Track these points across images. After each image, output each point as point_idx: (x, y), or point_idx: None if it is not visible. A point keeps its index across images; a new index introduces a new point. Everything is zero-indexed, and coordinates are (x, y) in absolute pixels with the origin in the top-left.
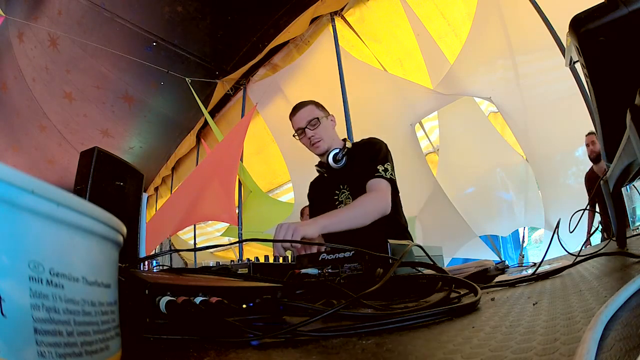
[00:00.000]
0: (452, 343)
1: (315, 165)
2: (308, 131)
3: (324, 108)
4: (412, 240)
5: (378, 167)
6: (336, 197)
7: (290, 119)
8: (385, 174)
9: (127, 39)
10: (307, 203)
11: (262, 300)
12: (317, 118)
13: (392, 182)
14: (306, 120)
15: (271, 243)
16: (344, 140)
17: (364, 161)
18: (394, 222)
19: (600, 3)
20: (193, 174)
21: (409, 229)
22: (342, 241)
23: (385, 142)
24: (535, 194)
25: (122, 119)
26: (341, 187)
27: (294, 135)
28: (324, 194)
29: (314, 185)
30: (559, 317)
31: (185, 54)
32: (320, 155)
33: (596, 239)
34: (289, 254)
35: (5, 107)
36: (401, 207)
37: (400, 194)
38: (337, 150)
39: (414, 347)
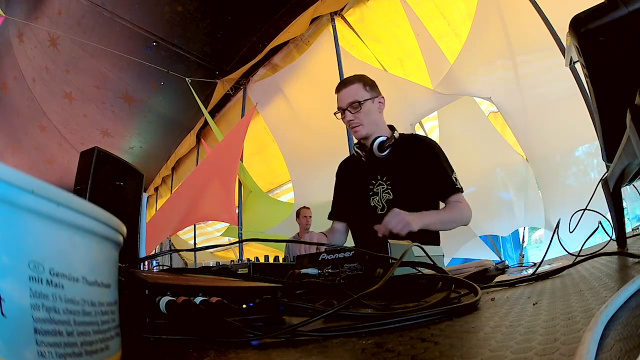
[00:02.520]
0: (452, 343)
1: (355, 145)
2: (348, 114)
3: (373, 87)
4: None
5: (453, 177)
6: (372, 187)
7: (336, 94)
8: (458, 184)
9: (127, 39)
10: (306, 204)
11: (262, 300)
12: (359, 102)
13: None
14: (347, 102)
15: (270, 243)
16: (391, 127)
17: (420, 162)
18: (435, 236)
19: (600, 3)
20: (193, 174)
21: None
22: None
23: None
24: (535, 194)
25: (122, 119)
26: (379, 177)
27: (335, 114)
28: (357, 180)
29: (345, 167)
30: (559, 317)
31: (185, 54)
32: (360, 139)
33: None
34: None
35: (5, 107)
36: None
37: None
38: (385, 139)
39: (414, 347)
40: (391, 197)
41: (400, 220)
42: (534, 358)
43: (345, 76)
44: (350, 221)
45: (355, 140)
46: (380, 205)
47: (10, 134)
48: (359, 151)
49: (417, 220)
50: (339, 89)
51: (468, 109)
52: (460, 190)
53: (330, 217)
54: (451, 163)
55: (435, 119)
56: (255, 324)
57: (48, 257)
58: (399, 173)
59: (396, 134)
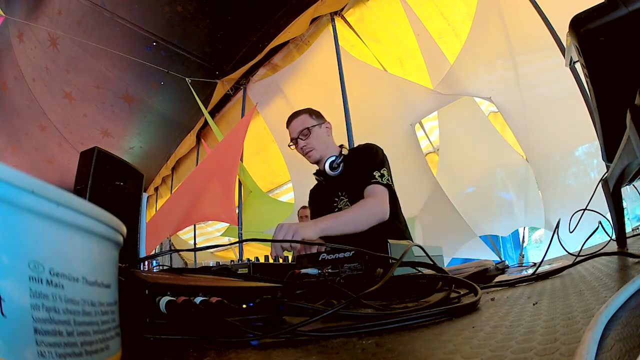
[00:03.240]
0: (452, 343)
1: (314, 174)
2: (300, 141)
3: (319, 115)
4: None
5: (374, 173)
6: (335, 204)
7: (287, 129)
8: (382, 180)
9: (127, 39)
10: (306, 204)
11: (262, 300)
12: (308, 128)
13: (389, 187)
14: (297, 130)
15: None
16: (341, 146)
17: (360, 167)
18: (392, 227)
19: (600, 3)
20: (193, 174)
21: (409, 228)
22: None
23: (381, 146)
24: (535, 194)
25: (122, 119)
26: (340, 194)
27: (289, 145)
28: (323, 201)
29: (313, 193)
30: (559, 317)
31: (185, 54)
32: (314, 163)
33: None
34: (288, 254)
35: (5, 107)
36: (401, 212)
37: (399, 196)
38: (334, 158)
39: (414, 347)
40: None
41: (285, 230)
42: (534, 358)
43: (345, 76)
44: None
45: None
46: None
47: (10, 134)
48: (317, 176)
49: (310, 226)
50: (288, 123)
51: (468, 109)
52: (380, 183)
53: None
54: (451, 163)
55: (435, 119)
56: (255, 324)
57: (48, 257)
58: (352, 184)
59: (344, 151)
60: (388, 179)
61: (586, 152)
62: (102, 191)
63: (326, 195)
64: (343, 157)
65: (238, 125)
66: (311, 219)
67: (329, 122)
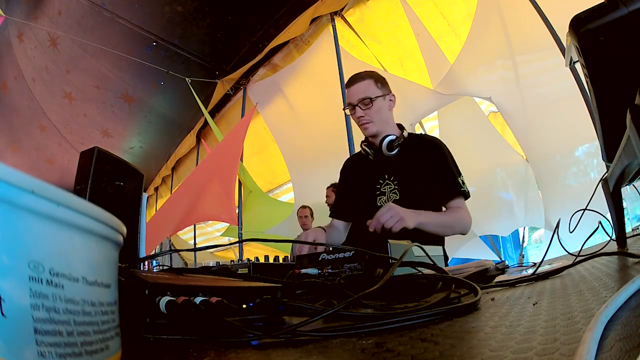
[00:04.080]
0: (452, 343)
1: (362, 142)
2: (358, 110)
3: (385, 84)
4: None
5: (459, 180)
6: (378, 186)
7: (346, 89)
8: (464, 187)
9: (127, 39)
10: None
11: (262, 300)
12: (370, 98)
13: (467, 196)
14: (358, 97)
15: (270, 243)
16: (400, 126)
17: (428, 163)
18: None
19: (600, 3)
20: (193, 174)
21: None
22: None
23: None
24: (535, 194)
25: (122, 119)
26: (387, 176)
27: (344, 109)
28: (363, 178)
29: (351, 165)
30: (559, 317)
31: (185, 54)
32: (369, 136)
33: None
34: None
35: (5, 107)
36: None
37: None
38: (394, 137)
39: (413, 347)
40: (398, 197)
41: (394, 214)
42: (534, 358)
43: (345, 76)
44: (353, 220)
45: (363, 138)
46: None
47: (10, 134)
48: (367, 149)
49: (413, 217)
50: (349, 84)
51: (468, 109)
52: (465, 195)
53: (332, 215)
54: None
55: (435, 119)
56: (255, 324)
57: (48, 257)
58: (406, 173)
59: (405, 133)
60: (467, 187)
61: (586, 152)
62: (102, 191)
63: (370, 173)
64: (403, 140)
65: (238, 125)
66: (340, 191)
67: (393, 95)
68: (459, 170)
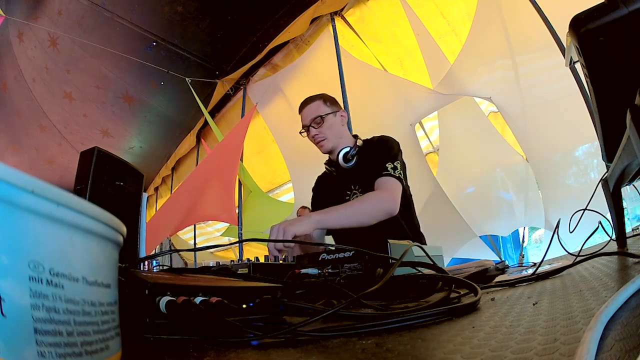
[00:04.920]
0: (452, 343)
1: (325, 163)
2: (312, 129)
3: (334, 102)
4: (425, 243)
5: (387, 165)
6: (347, 197)
7: (299, 114)
8: (394, 172)
9: (127, 39)
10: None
11: (262, 300)
12: (321, 116)
13: (401, 181)
14: (309, 118)
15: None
16: (355, 137)
17: (374, 159)
18: (410, 223)
19: (600, 3)
20: (193, 174)
21: None
22: (352, 241)
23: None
24: (535, 194)
25: (122, 119)
26: (352, 187)
27: (300, 132)
28: (333, 194)
29: (321, 182)
30: (559, 317)
31: (185, 54)
32: (326, 153)
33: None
34: (283, 254)
35: (5, 107)
36: (414, 209)
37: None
38: (348, 149)
39: (413, 347)
40: None
41: (277, 229)
42: (534, 358)
43: (345, 76)
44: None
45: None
46: None
47: (10, 134)
48: (328, 167)
49: (304, 221)
50: (301, 109)
51: (468, 109)
52: (392, 175)
53: None
54: (451, 163)
55: (435, 119)
56: (255, 324)
57: (48, 257)
58: (366, 178)
59: (359, 142)
60: (400, 173)
61: (586, 152)
62: (102, 191)
63: (337, 188)
64: (358, 149)
65: (238, 125)
66: (313, 208)
67: (344, 111)
68: (394, 157)
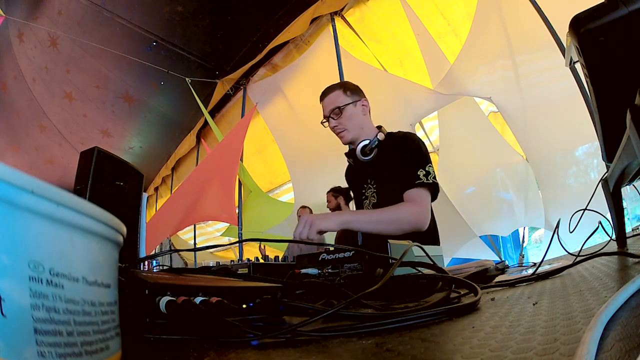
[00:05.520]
0: (452, 343)
1: (345, 153)
2: (331, 121)
3: (355, 91)
4: (439, 243)
5: (418, 173)
6: (363, 190)
7: (320, 103)
8: (427, 179)
9: (127, 39)
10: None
11: (262, 300)
12: (339, 107)
13: (434, 187)
14: (329, 108)
15: (270, 243)
16: (379, 128)
17: (398, 160)
18: (429, 237)
19: (600, 3)
20: (193, 174)
21: None
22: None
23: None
24: (535, 194)
25: (122, 119)
26: (369, 181)
27: (322, 122)
28: (354, 185)
29: (347, 174)
30: (559, 317)
31: (185, 54)
32: (347, 144)
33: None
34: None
35: (5, 107)
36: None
37: None
38: (367, 142)
39: (413, 347)
40: (376, 201)
41: (304, 224)
42: (534, 358)
43: (345, 76)
44: None
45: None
46: (369, 209)
47: (10, 134)
48: (347, 157)
49: (328, 219)
50: (321, 98)
51: (468, 109)
52: (425, 184)
53: None
54: (451, 163)
55: (435, 119)
56: (255, 324)
57: (48, 257)
58: (382, 175)
59: (380, 136)
60: (434, 177)
61: (586, 152)
62: (102, 191)
63: (357, 179)
64: (378, 142)
65: (238, 125)
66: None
67: (365, 99)
68: (425, 161)
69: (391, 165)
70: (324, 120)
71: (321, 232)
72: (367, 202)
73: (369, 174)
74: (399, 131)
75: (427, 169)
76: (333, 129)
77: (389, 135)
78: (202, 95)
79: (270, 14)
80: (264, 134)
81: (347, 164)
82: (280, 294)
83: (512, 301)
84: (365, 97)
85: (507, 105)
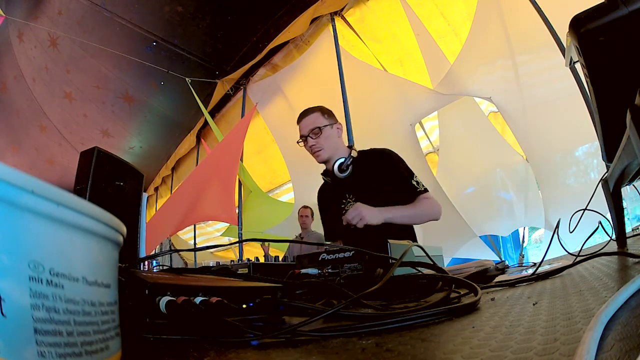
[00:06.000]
0: (452, 343)
1: (321, 173)
2: (309, 140)
3: (331, 115)
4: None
5: (412, 183)
6: (343, 205)
7: (297, 125)
8: (420, 186)
9: (127, 39)
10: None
11: (262, 300)
12: (319, 127)
13: (427, 191)
14: (308, 128)
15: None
16: (350, 147)
17: (378, 174)
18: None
19: (600, 3)
20: (193, 174)
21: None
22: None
23: (381, 146)
24: (535, 194)
25: (122, 119)
26: (347, 196)
27: (298, 142)
28: (331, 202)
29: (321, 193)
30: (559, 317)
31: (185, 54)
32: (321, 162)
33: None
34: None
35: (5, 107)
36: None
37: None
38: (343, 160)
39: (413, 347)
40: None
41: (357, 214)
42: (534, 358)
43: (345, 76)
44: (340, 238)
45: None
46: None
47: (10, 134)
48: (324, 177)
49: (376, 215)
50: (299, 119)
51: (468, 109)
52: (425, 190)
53: (327, 239)
54: (451, 163)
55: (435, 119)
56: (255, 324)
57: (48, 257)
58: (361, 188)
59: (354, 153)
60: (423, 184)
61: (586, 152)
62: (102, 191)
63: (334, 196)
64: (352, 159)
65: (238, 125)
66: (321, 218)
67: (339, 124)
68: (411, 172)
69: (371, 178)
70: (300, 140)
71: (366, 226)
72: None
73: (347, 189)
74: (371, 148)
75: (415, 179)
76: (310, 147)
77: (362, 152)
78: (202, 95)
79: (270, 14)
80: (264, 134)
81: None
82: (280, 294)
83: (512, 301)
84: (338, 121)
85: (507, 105)
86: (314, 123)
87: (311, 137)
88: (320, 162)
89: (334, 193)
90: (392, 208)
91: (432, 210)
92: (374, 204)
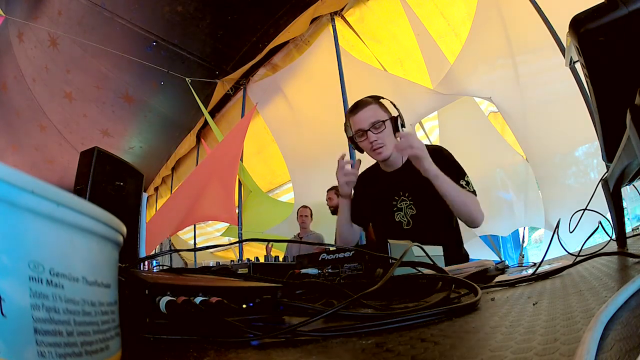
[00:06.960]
0: (452, 343)
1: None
2: (371, 135)
3: (387, 108)
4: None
5: (461, 183)
6: (395, 202)
7: (348, 118)
8: (470, 187)
9: (127, 39)
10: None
11: (262, 300)
12: (383, 121)
13: (476, 195)
14: (369, 122)
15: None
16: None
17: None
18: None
19: (600, 3)
20: (193, 174)
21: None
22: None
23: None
24: (535, 194)
25: (122, 119)
26: (401, 193)
27: (351, 137)
28: (380, 194)
29: (366, 180)
30: (559, 317)
31: (185, 53)
32: (382, 161)
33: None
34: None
35: (5, 107)
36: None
37: None
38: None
39: (413, 347)
40: (415, 212)
41: (408, 144)
42: (534, 358)
43: (345, 76)
44: (366, 227)
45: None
46: (405, 221)
47: (10, 134)
48: (369, 173)
49: (431, 165)
50: (354, 111)
51: (468, 109)
52: (474, 192)
53: (352, 219)
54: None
55: (435, 119)
56: (255, 324)
57: (48, 257)
58: (418, 187)
59: None
60: (473, 186)
61: (586, 152)
62: (102, 191)
63: (385, 190)
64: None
65: (238, 125)
66: (356, 200)
67: (395, 117)
68: (463, 171)
69: (423, 177)
70: (357, 133)
71: (415, 159)
72: (401, 213)
73: (402, 186)
74: (427, 144)
75: (466, 179)
76: (371, 143)
77: None
78: (202, 95)
79: (270, 14)
80: (264, 134)
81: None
82: (280, 294)
83: (512, 301)
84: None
85: (507, 105)
86: (375, 115)
87: (372, 132)
88: (381, 160)
89: (386, 187)
90: (445, 176)
91: (478, 210)
92: (430, 206)
